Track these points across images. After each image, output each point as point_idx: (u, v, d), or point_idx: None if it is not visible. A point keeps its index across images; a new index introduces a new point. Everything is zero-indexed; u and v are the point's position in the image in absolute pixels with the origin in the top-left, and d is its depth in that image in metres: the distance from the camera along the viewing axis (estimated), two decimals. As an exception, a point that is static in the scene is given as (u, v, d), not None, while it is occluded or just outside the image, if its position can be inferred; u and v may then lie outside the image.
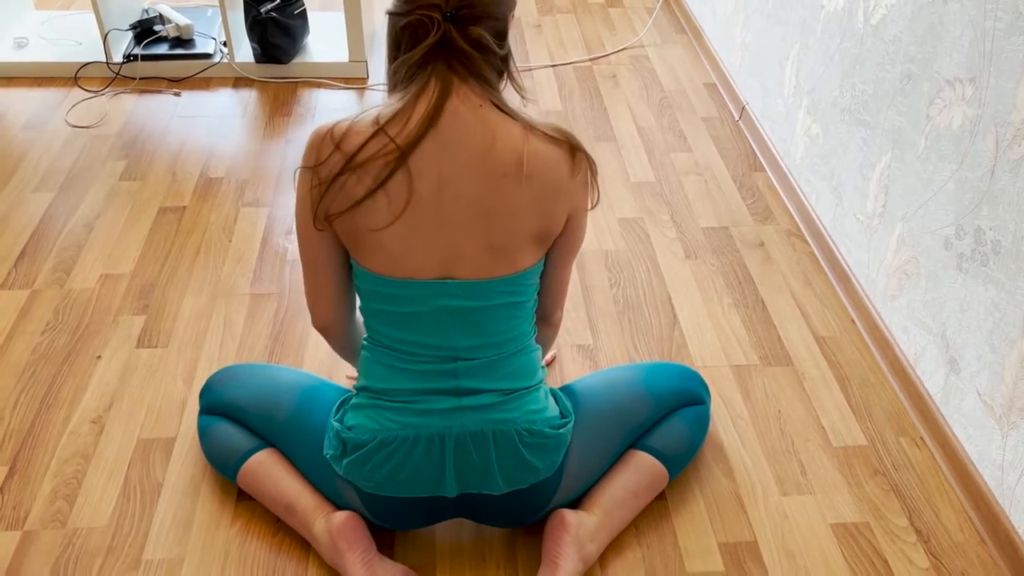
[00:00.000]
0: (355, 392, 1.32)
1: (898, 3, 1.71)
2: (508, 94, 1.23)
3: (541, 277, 1.32)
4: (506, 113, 1.18)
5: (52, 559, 1.37)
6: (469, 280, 1.21)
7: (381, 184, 1.15)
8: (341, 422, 1.31)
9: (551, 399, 1.34)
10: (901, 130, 1.71)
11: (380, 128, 1.15)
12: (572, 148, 1.20)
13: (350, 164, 1.15)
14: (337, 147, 1.16)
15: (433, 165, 1.16)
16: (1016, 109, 1.37)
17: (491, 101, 1.17)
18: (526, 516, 1.37)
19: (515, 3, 1.20)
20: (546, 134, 1.19)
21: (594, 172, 1.24)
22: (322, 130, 1.19)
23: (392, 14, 1.17)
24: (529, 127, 1.18)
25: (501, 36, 1.18)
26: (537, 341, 1.39)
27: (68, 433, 1.58)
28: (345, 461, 1.29)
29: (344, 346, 1.43)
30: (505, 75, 1.22)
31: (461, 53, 1.14)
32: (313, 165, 1.18)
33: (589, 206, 1.27)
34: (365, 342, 1.32)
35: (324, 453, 1.33)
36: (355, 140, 1.16)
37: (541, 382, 1.33)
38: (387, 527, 1.37)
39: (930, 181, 1.61)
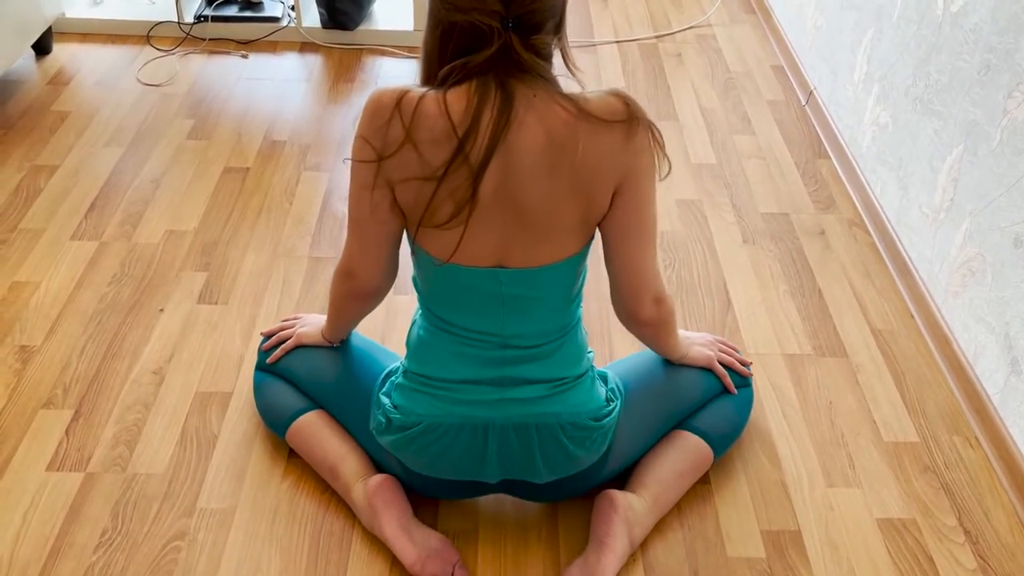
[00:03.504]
0: (402, 368, 1.33)
1: (981, -10, 1.66)
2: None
3: (609, 265, 1.25)
4: (558, 94, 1.12)
5: (112, 501, 1.43)
6: (518, 268, 1.19)
7: (467, 208, 1.12)
8: (389, 398, 1.32)
9: (598, 384, 1.34)
10: (976, 122, 1.66)
11: (461, 149, 1.10)
12: (630, 120, 1.12)
13: (433, 176, 1.12)
14: (410, 141, 1.11)
15: (497, 171, 1.13)
16: (1100, 106, 1.32)
17: (544, 87, 1.12)
18: (570, 494, 1.38)
19: None
20: (599, 119, 1.11)
21: (659, 143, 1.16)
22: (385, 104, 1.11)
23: (445, 2, 1.08)
24: (582, 112, 1.11)
25: (559, 28, 1.13)
26: (645, 342, 1.38)
27: (130, 382, 1.63)
28: (389, 438, 1.31)
29: (363, 314, 1.39)
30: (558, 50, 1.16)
31: (523, 64, 1.09)
32: (380, 156, 1.13)
33: (657, 177, 1.17)
34: (421, 323, 1.30)
35: (369, 427, 1.36)
36: (437, 153, 1.11)
37: (589, 368, 1.32)
38: (426, 495, 1.40)
39: (1003, 176, 1.57)
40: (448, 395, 1.27)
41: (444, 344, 1.26)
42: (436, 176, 1.11)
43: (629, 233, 1.21)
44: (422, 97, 1.11)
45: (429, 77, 1.15)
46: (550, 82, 1.12)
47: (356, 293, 1.31)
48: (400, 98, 1.11)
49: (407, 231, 1.23)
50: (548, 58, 1.13)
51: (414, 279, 1.30)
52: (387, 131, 1.11)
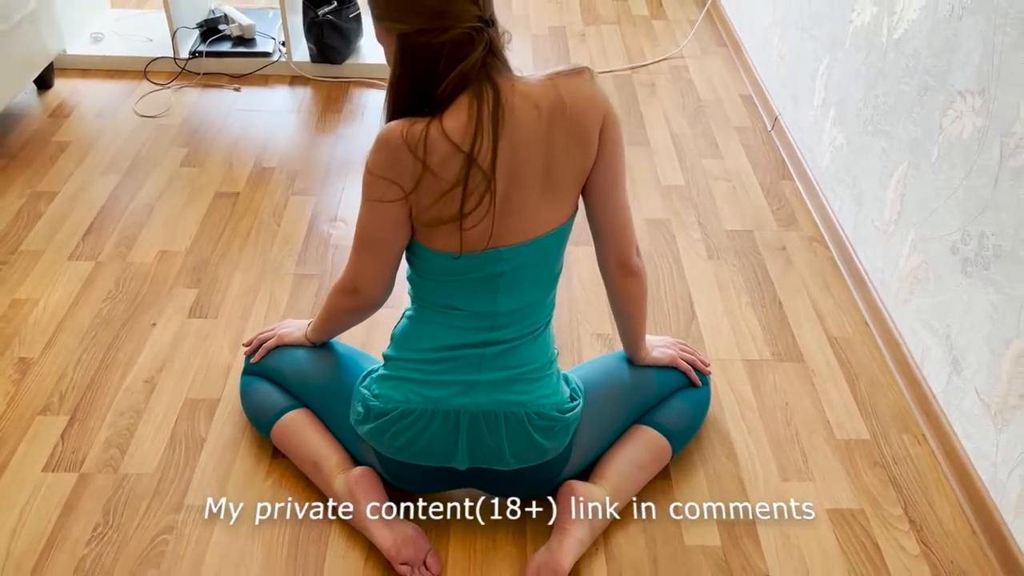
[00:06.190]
0: (384, 359, 1.43)
1: (918, 18, 1.78)
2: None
3: (600, 215, 1.34)
4: (525, 76, 1.24)
5: (104, 499, 1.51)
6: (515, 245, 1.29)
7: (488, 199, 1.22)
8: (368, 389, 1.42)
9: (562, 383, 1.44)
10: (917, 140, 1.77)
11: (471, 159, 1.20)
12: (585, 69, 1.25)
13: (454, 188, 1.22)
14: (430, 171, 1.21)
15: (504, 162, 1.22)
16: (1019, 120, 1.44)
17: (513, 74, 1.23)
18: (536, 489, 1.47)
19: None
20: (568, 73, 1.24)
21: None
22: (395, 144, 1.20)
23: (423, 31, 1.15)
24: (553, 76, 1.24)
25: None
26: (626, 305, 1.44)
27: (123, 390, 1.72)
28: (368, 426, 1.40)
29: (356, 324, 1.52)
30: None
31: (499, 53, 1.21)
32: (404, 190, 1.23)
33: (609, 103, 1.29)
34: (413, 313, 1.39)
35: (350, 419, 1.45)
36: (450, 168, 1.21)
37: (553, 363, 1.42)
38: (402, 488, 1.48)
39: (941, 189, 1.67)
40: (425, 378, 1.36)
41: (437, 319, 1.36)
42: (458, 187, 1.21)
43: (617, 175, 1.32)
44: (426, 128, 1.19)
45: (404, 109, 1.22)
46: (511, 70, 1.24)
47: (360, 307, 1.42)
48: (406, 134, 1.20)
49: (415, 237, 1.31)
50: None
51: (410, 278, 1.38)
52: (404, 167, 1.21)
